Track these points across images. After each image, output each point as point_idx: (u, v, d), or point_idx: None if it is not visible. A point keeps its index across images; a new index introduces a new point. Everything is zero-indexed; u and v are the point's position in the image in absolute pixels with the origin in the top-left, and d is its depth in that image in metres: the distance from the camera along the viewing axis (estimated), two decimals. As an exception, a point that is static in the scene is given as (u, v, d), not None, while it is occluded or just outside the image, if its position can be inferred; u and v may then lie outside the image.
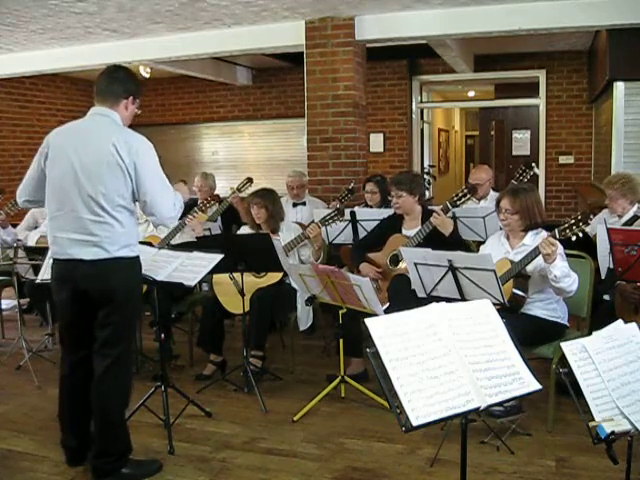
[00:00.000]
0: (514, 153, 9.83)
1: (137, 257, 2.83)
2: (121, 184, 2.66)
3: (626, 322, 2.13)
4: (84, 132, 2.74)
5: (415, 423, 1.76)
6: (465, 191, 3.94)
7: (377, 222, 4.41)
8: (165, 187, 2.78)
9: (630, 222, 3.98)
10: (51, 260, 2.87)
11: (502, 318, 2.10)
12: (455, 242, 3.80)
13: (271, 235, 3.88)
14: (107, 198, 2.65)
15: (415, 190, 4.08)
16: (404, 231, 4.15)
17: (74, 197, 2.67)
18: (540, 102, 8.42)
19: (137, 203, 2.83)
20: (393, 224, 4.23)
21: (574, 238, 3.08)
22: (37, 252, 4.37)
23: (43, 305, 4.78)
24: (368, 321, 1.90)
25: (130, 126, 2.87)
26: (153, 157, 2.75)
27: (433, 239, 3.82)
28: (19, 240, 4.77)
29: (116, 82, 2.81)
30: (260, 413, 3.61)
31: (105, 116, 2.77)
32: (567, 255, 3.27)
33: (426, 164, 9.34)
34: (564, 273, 3.12)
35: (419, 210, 4.14)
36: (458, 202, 3.95)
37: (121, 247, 2.71)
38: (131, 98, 2.84)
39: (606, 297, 3.77)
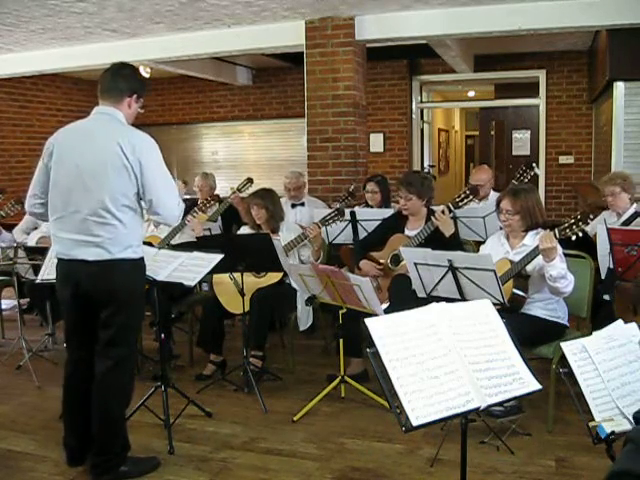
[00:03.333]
0: (514, 153, 9.84)
1: (140, 259, 2.81)
2: (126, 184, 2.63)
3: (626, 322, 2.13)
4: (88, 132, 2.72)
5: (415, 423, 1.76)
6: (467, 192, 3.94)
7: (377, 222, 4.40)
8: (170, 186, 2.75)
9: (629, 220, 3.99)
10: (54, 260, 2.87)
11: (502, 318, 2.10)
12: (454, 244, 3.79)
13: (271, 235, 3.89)
14: (112, 199, 2.62)
15: (425, 195, 4.08)
16: (407, 231, 4.14)
17: (79, 198, 2.65)
18: (540, 102, 8.42)
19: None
20: (395, 224, 4.22)
21: (574, 238, 3.08)
22: (37, 252, 4.36)
23: (43, 305, 4.77)
24: (368, 321, 1.90)
25: (131, 125, 2.85)
26: (157, 155, 2.71)
27: (434, 240, 3.82)
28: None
29: (120, 79, 2.76)
30: (260, 413, 3.61)
31: (108, 115, 2.74)
32: (567, 255, 3.27)
33: (426, 164, 9.34)
34: (561, 274, 3.12)
35: (424, 212, 4.13)
36: (460, 203, 3.95)
37: (123, 249, 2.69)
38: (135, 96, 2.79)
39: (606, 297, 3.77)
